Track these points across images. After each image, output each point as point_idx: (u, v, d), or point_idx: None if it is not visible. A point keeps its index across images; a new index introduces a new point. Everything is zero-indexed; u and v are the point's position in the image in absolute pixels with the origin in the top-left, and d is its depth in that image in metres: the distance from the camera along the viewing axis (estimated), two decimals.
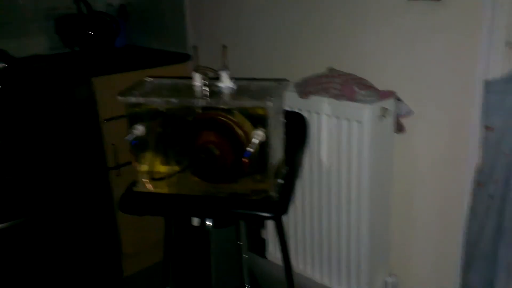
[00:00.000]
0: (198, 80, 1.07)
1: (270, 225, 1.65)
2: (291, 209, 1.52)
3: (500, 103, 1.05)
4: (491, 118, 1.07)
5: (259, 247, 1.74)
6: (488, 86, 1.07)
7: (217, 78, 1.08)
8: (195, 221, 1.15)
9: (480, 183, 1.13)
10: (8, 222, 1.61)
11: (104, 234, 1.87)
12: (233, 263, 1.59)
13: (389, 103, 1.26)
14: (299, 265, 1.56)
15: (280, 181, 1.07)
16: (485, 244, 1.14)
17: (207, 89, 1.04)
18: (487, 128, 1.09)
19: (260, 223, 1.75)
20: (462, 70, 1.16)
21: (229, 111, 0.99)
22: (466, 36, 1.13)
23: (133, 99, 1.02)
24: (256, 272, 1.68)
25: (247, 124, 1.00)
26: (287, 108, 1.42)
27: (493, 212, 1.11)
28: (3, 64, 1.66)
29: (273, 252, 1.66)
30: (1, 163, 1.58)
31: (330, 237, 1.42)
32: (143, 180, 1.08)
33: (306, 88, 1.35)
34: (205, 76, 1.05)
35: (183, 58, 1.96)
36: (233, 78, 1.07)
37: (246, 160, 0.97)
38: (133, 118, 1.04)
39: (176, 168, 1.06)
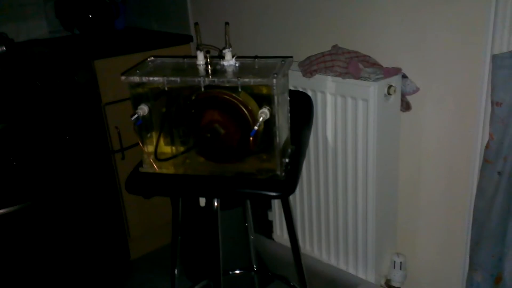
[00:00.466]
0: (201, 59, 1.06)
1: (276, 206, 1.64)
2: (298, 189, 1.52)
3: (509, 78, 1.03)
4: (499, 93, 1.05)
5: (266, 228, 1.74)
6: (496, 60, 1.05)
7: (221, 56, 1.06)
8: (202, 202, 1.14)
9: (488, 160, 1.12)
10: (14, 206, 1.61)
11: (110, 217, 1.88)
12: (240, 245, 1.59)
13: (395, 81, 1.24)
14: (306, 245, 1.56)
15: (286, 160, 1.06)
16: (494, 222, 1.13)
17: (211, 68, 1.03)
18: (495, 103, 1.07)
19: (266, 204, 1.75)
20: (469, 44, 1.14)
21: (233, 89, 0.97)
22: (473, 9, 1.11)
23: (136, 79, 1.00)
24: (262, 253, 1.69)
25: (252, 103, 0.99)
26: (292, 87, 1.41)
27: (502, 190, 1.10)
28: (3, 48, 1.65)
29: (280, 233, 1.66)
30: (5, 148, 1.57)
31: (337, 217, 1.42)
32: (149, 160, 1.07)
33: (310, 66, 1.33)
34: (208, 54, 1.03)
35: (186, 39, 1.94)
36: (236, 56, 1.06)
37: (252, 139, 0.96)
38: (137, 98, 1.03)
39: (181, 148, 1.06)
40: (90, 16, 2.03)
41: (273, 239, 1.69)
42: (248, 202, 1.46)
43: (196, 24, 1.19)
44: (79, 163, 1.74)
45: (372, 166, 1.28)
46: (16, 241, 1.65)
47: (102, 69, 1.74)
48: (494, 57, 1.06)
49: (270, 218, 1.74)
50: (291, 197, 1.55)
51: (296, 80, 1.38)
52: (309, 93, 1.36)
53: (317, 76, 1.33)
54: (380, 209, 1.33)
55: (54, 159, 1.68)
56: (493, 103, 1.08)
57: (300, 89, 1.39)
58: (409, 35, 1.25)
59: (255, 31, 1.70)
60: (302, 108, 1.30)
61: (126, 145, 1.82)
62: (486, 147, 1.12)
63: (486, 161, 1.13)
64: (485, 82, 1.13)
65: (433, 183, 1.33)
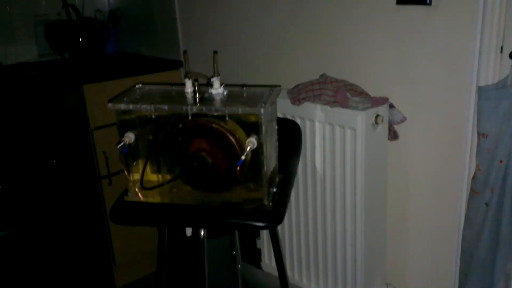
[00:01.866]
0: (189, 86, 1.05)
1: (264, 235, 1.62)
2: (286, 218, 1.50)
3: (494, 110, 1.04)
4: (485, 125, 1.06)
5: (254, 257, 1.71)
6: (481, 92, 1.06)
7: (209, 84, 1.06)
8: (188, 231, 1.12)
9: (476, 190, 1.12)
10: None
11: (95, 244, 1.84)
12: (228, 274, 1.57)
13: (382, 110, 1.25)
14: (294, 275, 1.54)
15: (274, 189, 1.05)
16: (482, 253, 1.12)
17: (199, 96, 1.03)
18: (481, 135, 1.08)
19: (254, 233, 1.73)
20: (455, 76, 1.15)
21: (221, 118, 0.97)
22: (458, 41, 1.13)
23: (123, 106, 0.99)
24: (251, 283, 1.66)
25: (239, 131, 0.98)
26: (280, 115, 1.41)
27: (489, 221, 1.09)
28: None
29: (268, 262, 1.64)
30: None
31: (325, 246, 1.40)
32: (135, 189, 1.05)
33: (299, 94, 1.33)
34: (196, 82, 1.03)
35: (175, 65, 1.94)
36: (224, 84, 1.06)
37: (239, 168, 0.96)
38: (124, 125, 1.02)
39: (168, 176, 1.04)
40: (80, 40, 2.03)
41: (261, 268, 1.67)
42: (236, 230, 1.44)
43: (184, 52, 1.20)
44: (65, 188, 1.72)
45: (360, 194, 1.27)
46: (1, 267, 1.61)
47: (91, 94, 1.73)
48: (479, 89, 1.08)
49: (258, 246, 1.71)
50: (279, 226, 1.53)
51: (285, 108, 1.38)
52: (298, 121, 1.36)
53: (306, 104, 1.33)
54: (369, 239, 1.32)
55: (40, 183, 1.65)
56: (479, 134, 1.08)
57: (289, 117, 1.39)
58: (396, 65, 1.27)
59: (244, 59, 1.71)
60: (290, 136, 1.30)
61: (114, 171, 1.80)
62: (473, 177, 1.13)
63: (473, 192, 1.13)
64: (471, 113, 1.14)
65: (421, 213, 1.32)
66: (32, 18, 2.09)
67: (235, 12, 1.68)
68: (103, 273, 1.89)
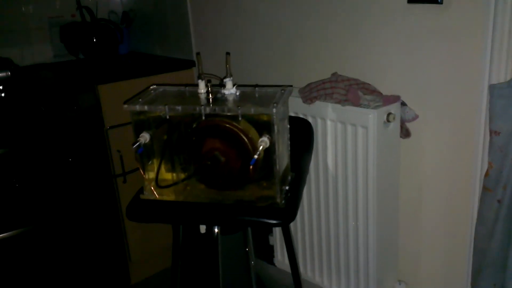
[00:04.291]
0: (202, 87, 1.07)
1: (277, 231, 1.64)
2: (299, 215, 1.52)
3: (506, 108, 1.04)
4: (497, 123, 1.06)
5: (267, 253, 1.73)
6: (493, 90, 1.07)
7: (222, 85, 1.08)
8: (202, 228, 1.14)
9: (488, 188, 1.12)
10: (15, 230, 1.62)
11: (111, 241, 1.87)
12: (241, 270, 1.59)
13: (394, 108, 1.26)
14: (307, 272, 1.55)
15: (286, 187, 1.07)
16: (494, 250, 1.12)
17: (212, 96, 1.04)
18: (493, 132, 1.08)
19: (267, 230, 1.74)
20: (467, 74, 1.16)
21: (234, 118, 0.99)
22: (469, 40, 1.13)
23: (138, 107, 1.02)
24: (264, 279, 1.68)
25: (252, 131, 1.00)
26: (292, 114, 1.42)
27: (502, 218, 1.10)
28: (7, 73, 1.67)
29: (281, 259, 1.65)
30: (8, 171, 1.58)
31: (338, 243, 1.42)
32: (150, 187, 1.08)
33: (310, 93, 1.34)
34: (209, 83, 1.05)
35: (188, 64, 1.96)
36: (237, 85, 1.08)
37: (252, 167, 0.97)
38: (139, 126, 1.04)
39: (182, 175, 1.06)
40: (94, 40, 2.06)
41: (274, 264, 1.69)
42: (249, 227, 1.46)
43: (197, 54, 1.22)
44: (81, 187, 1.75)
45: (373, 192, 1.28)
46: (18, 264, 1.65)
47: (105, 94, 1.76)
48: (491, 87, 1.08)
49: (271, 242, 1.73)
50: (292, 223, 1.55)
51: (297, 107, 1.39)
52: (310, 120, 1.37)
53: (318, 103, 1.34)
54: (381, 236, 1.33)
55: (56, 182, 1.69)
56: (491, 132, 1.09)
57: (301, 115, 1.40)
58: (407, 64, 1.27)
59: (256, 59, 1.72)
60: (302, 135, 1.31)
61: (128, 169, 1.83)
62: (486, 175, 1.13)
63: (485, 189, 1.13)
64: (483, 111, 1.14)
65: (434, 210, 1.33)
66: (47, 20, 2.12)
67: (247, 12, 1.70)
68: (118, 269, 1.93)
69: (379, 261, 1.34)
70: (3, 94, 1.63)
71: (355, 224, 1.33)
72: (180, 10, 1.98)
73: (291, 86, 1.11)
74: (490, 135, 1.09)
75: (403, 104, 1.29)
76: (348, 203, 1.34)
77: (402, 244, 1.42)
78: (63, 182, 1.71)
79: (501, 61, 1.09)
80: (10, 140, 1.58)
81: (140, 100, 1.05)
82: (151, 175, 1.07)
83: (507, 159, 1.06)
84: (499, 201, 1.10)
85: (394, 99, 1.26)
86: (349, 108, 1.27)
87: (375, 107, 1.23)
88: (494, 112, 1.07)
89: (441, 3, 1.15)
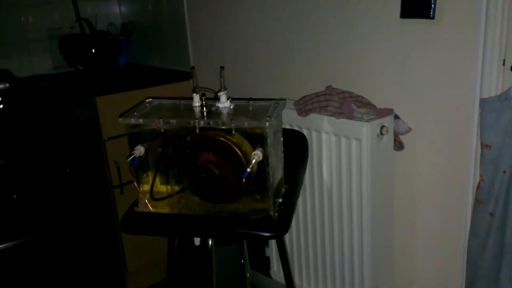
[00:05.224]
0: (197, 101, 1.09)
1: (273, 243, 1.65)
2: (294, 227, 1.53)
3: (496, 121, 1.05)
4: (488, 136, 1.08)
5: (263, 265, 1.73)
6: (484, 104, 1.08)
7: (216, 98, 1.09)
8: (197, 241, 1.15)
9: (480, 200, 1.13)
10: (13, 241, 1.62)
11: (107, 252, 1.88)
12: (236, 282, 1.59)
13: (387, 121, 1.27)
14: (303, 283, 1.56)
15: (280, 200, 1.07)
16: (487, 262, 1.13)
17: (206, 110, 1.06)
18: (484, 145, 1.09)
19: (263, 242, 1.75)
20: (459, 88, 1.17)
21: (228, 131, 1.00)
22: (461, 54, 1.15)
23: (133, 120, 1.03)
24: None
25: (245, 144, 1.01)
26: (288, 126, 1.44)
27: (494, 230, 1.11)
28: (6, 85, 1.69)
29: (277, 270, 1.66)
30: (6, 182, 1.59)
31: (333, 254, 1.42)
32: (144, 200, 1.09)
33: (305, 106, 1.36)
34: (204, 96, 1.07)
35: (186, 76, 1.98)
36: (231, 98, 1.09)
37: (245, 180, 0.98)
38: (134, 138, 1.05)
39: (177, 188, 1.08)
40: (93, 52, 2.08)
41: (270, 276, 1.69)
42: (244, 240, 1.46)
43: (192, 68, 1.23)
44: (79, 197, 1.76)
45: (367, 204, 1.29)
46: (15, 275, 1.65)
47: (103, 105, 1.78)
48: (482, 101, 1.09)
49: (267, 254, 1.74)
50: (288, 235, 1.55)
51: (292, 119, 1.41)
52: (305, 132, 1.39)
53: (312, 116, 1.36)
54: (376, 248, 1.34)
55: (54, 193, 1.70)
56: (482, 145, 1.10)
57: (296, 128, 1.42)
58: (401, 77, 1.29)
59: (252, 72, 1.74)
60: (297, 147, 1.32)
61: (125, 181, 1.84)
62: (478, 187, 1.14)
63: (478, 202, 1.14)
64: (475, 124, 1.15)
65: (428, 222, 1.34)
66: (46, 32, 2.15)
67: (244, 26, 1.72)
68: (115, 280, 1.93)
69: (374, 272, 1.35)
70: (1, 106, 1.65)
71: (358, 233, 1.34)
72: (178, 22, 2.01)
73: (285, 99, 1.12)
74: (481, 148, 1.11)
75: (396, 117, 1.30)
76: (343, 215, 1.35)
77: (397, 255, 1.43)
78: (60, 193, 1.72)
79: (492, 76, 1.11)
80: (8, 151, 1.60)
81: (135, 113, 1.06)
82: (146, 187, 1.08)
83: (498, 172, 1.08)
84: (491, 214, 1.11)
85: (388, 112, 1.28)
86: (343, 121, 1.28)
87: (369, 120, 1.25)
88: (484, 126, 1.08)
89: (433, 18, 1.17)
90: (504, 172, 1.07)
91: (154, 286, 2.05)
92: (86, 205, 1.79)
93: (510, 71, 1.07)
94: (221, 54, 1.85)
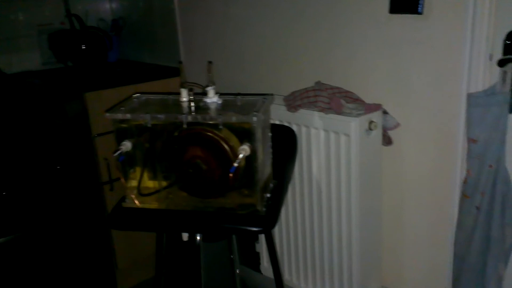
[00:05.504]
0: (185, 96, 1.09)
1: (263, 238, 1.65)
2: (283, 222, 1.53)
3: (483, 116, 1.06)
4: (474, 131, 1.08)
5: (254, 261, 1.74)
6: (471, 99, 1.09)
7: (204, 93, 1.09)
8: (185, 236, 1.15)
9: (466, 194, 1.14)
10: (2, 238, 1.61)
11: (98, 248, 1.87)
12: (226, 277, 1.59)
13: (376, 116, 1.27)
14: (292, 278, 1.56)
15: (268, 195, 1.08)
16: (473, 256, 1.14)
17: (194, 105, 1.06)
18: (471, 140, 1.10)
19: (253, 237, 1.75)
20: (447, 83, 1.18)
21: (215, 126, 1.00)
22: (448, 49, 1.15)
23: (120, 115, 1.03)
24: (250, 286, 1.68)
25: (233, 139, 1.01)
26: (277, 121, 1.44)
27: (480, 224, 1.11)
28: None
29: (267, 265, 1.66)
30: None
31: (322, 250, 1.43)
32: (132, 196, 1.08)
33: (294, 101, 1.36)
34: (191, 91, 1.06)
35: (176, 72, 1.98)
36: (219, 94, 1.09)
37: (232, 175, 0.98)
38: (121, 134, 1.05)
39: (164, 183, 1.07)
40: (83, 48, 2.07)
41: (260, 271, 1.69)
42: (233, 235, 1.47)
43: (180, 62, 1.23)
44: (69, 193, 1.75)
45: (355, 198, 1.29)
46: (4, 272, 1.64)
47: (92, 101, 1.76)
48: (468, 96, 1.10)
49: (257, 249, 1.74)
50: (277, 230, 1.56)
51: (282, 115, 1.41)
52: (294, 127, 1.39)
53: (302, 111, 1.36)
54: (364, 242, 1.34)
55: (44, 189, 1.69)
56: (469, 140, 1.10)
57: (285, 123, 1.42)
58: (389, 72, 1.29)
59: (243, 68, 1.74)
60: (286, 143, 1.33)
61: (115, 177, 1.83)
62: (464, 182, 1.15)
63: (464, 196, 1.15)
64: (462, 119, 1.16)
65: (416, 216, 1.34)
66: (36, 27, 2.13)
67: (234, 22, 1.72)
68: (105, 277, 1.92)
69: (362, 267, 1.36)
70: None
71: (346, 228, 1.34)
72: (168, 18, 2.00)
73: (272, 94, 1.12)
74: (468, 143, 1.11)
75: (385, 112, 1.31)
76: (332, 210, 1.36)
77: (385, 250, 1.44)
78: (50, 190, 1.71)
79: (479, 71, 1.11)
80: None
81: (122, 108, 1.06)
82: (133, 183, 1.08)
83: (484, 167, 1.08)
84: (477, 208, 1.12)
85: (376, 107, 1.28)
86: (332, 116, 1.29)
87: (357, 115, 1.25)
88: (471, 121, 1.09)
89: (421, 13, 1.18)
90: (490, 166, 1.08)
91: (144, 282, 2.04)
92: (76, 201, 1.78)
93: (496, 66, 1.08)
94: (212, 50, 1.84)
